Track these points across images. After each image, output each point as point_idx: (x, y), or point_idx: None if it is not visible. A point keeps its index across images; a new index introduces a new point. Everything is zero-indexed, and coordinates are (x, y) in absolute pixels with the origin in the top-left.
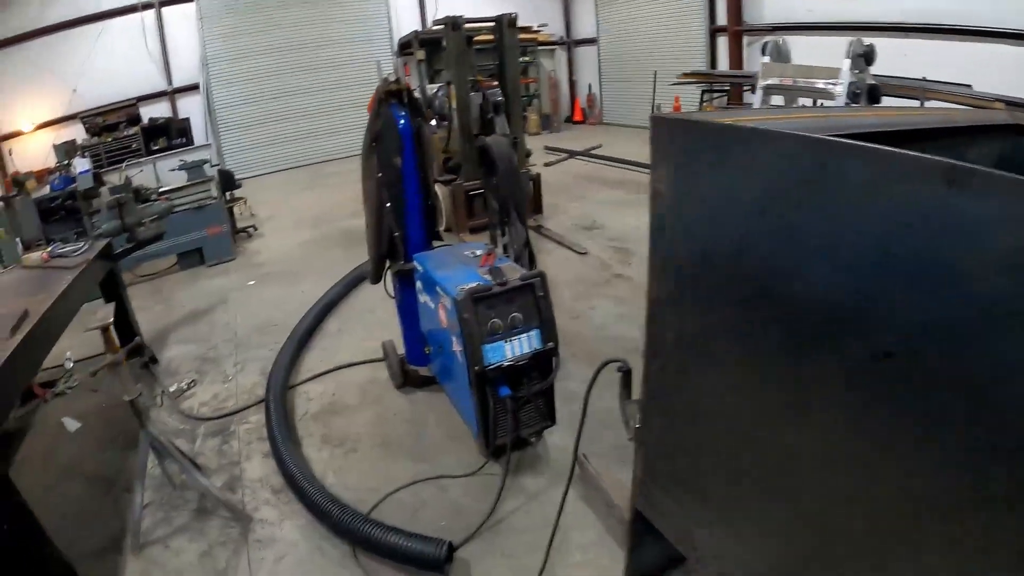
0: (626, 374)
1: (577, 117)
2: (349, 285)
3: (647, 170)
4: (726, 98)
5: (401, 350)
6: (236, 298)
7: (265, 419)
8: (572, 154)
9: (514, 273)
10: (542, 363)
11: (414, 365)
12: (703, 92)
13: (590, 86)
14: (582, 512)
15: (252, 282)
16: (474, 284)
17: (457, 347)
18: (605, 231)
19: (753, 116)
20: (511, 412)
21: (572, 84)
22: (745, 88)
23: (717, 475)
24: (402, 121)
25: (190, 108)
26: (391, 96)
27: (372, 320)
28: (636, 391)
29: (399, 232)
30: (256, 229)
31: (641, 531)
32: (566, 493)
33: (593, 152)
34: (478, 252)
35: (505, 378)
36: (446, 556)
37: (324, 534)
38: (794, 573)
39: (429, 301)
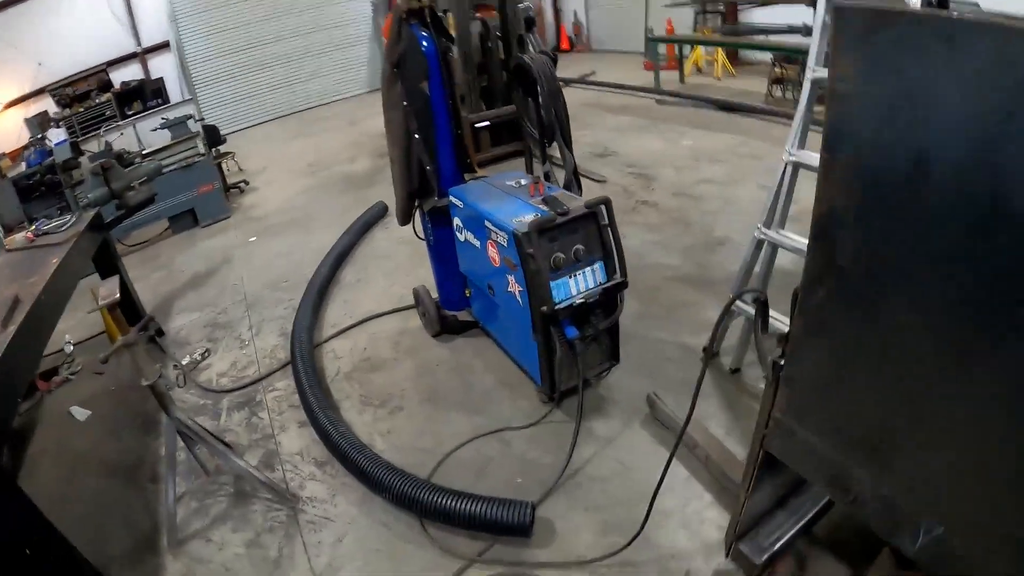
0: (763, 304)
1: (564, 46)
2: (359, 232)
3: (650, 94)
4: (720, 18)
5: (434, 295)
6: (240, 256)
7: (295, 384)
8: (567, 82)
9: (572, 202)
10: (606, 298)
11: (451, 310)
12: (696, 14)
13: (575, 13)
14: (662, 454)
15: (254, 238)
16: (532, 216)
17: (514, 287)
18: (620, 157)
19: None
20: (579, 354)
21: (557, 12)
22: (741, 7)
23: (892, 418)
24: (426, 43)
25: (163, 68)
26: (412, 16)
27: (391, 266)
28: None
29: (431, 165)
30: (248, 184)
31: (762, 473)
32: (673, 454)
33: (589, 79)
34: (523, 182)
35: (571, 317)
36: (531, 518)
37: (384, 506)
38: (976, 525)
39: (472, 239)
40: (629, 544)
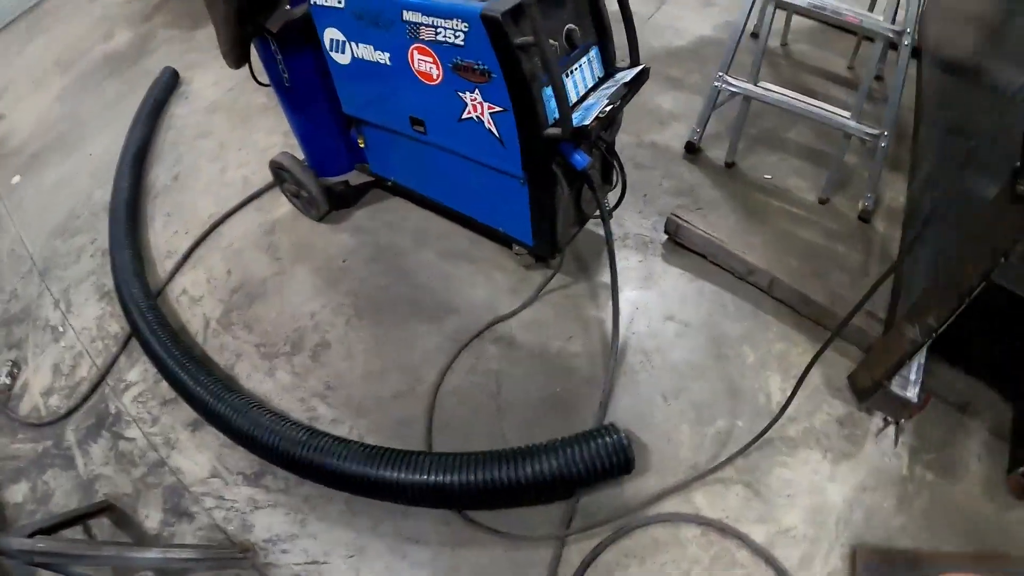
0: None
1: None
2: (152, 116)
3: None
4: None
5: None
6: (7, 210)
7: (154, 364)
8: None
9: None
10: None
11: (333, 175)
12: None
13: None
14: (707, 289)
15: (17, 178)
16: None
17: (478, 110)
18: None
19: None
20: (596, 187)
21: None
22: None
23: None
24: None
25: None
26: None
27: (213, 145)
28: None
29: None
30: None
31: None
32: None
33: None
34: None
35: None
36: (628, 448)
37: (385, 507)
38: None
39: (372, 53)
40: (765, 432)
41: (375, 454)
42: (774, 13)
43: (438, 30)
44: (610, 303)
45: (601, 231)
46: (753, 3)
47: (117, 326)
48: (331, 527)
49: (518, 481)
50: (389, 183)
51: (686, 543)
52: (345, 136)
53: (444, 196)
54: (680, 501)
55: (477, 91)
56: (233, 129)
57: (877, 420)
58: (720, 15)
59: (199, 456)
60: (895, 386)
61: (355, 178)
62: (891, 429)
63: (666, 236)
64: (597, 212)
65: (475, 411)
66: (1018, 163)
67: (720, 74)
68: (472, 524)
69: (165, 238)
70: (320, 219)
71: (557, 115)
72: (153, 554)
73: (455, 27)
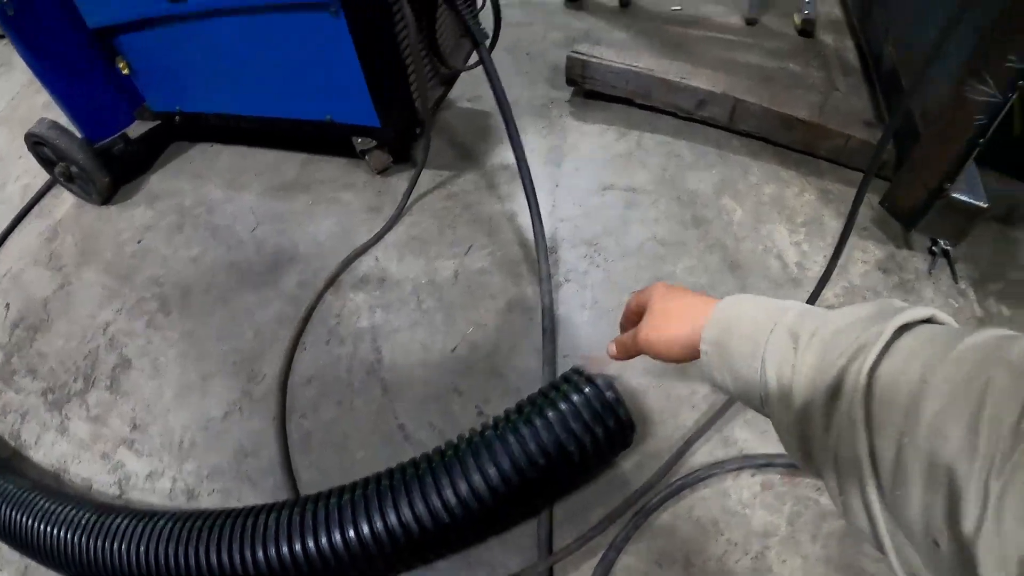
0: None
1: None
2: None
3: None
4: None
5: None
6: None
7: None
8: None
9: None
10: None
11: (112, 134)
12: None
13: None
14: (649, 144)
15: None
16: None
17: None
18: None
19: None
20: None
21: None
22: None
23: None
24: None
25: None
26: None
27: None
28: None
29: None
30: None
31: None
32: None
33: None
34: None
35: None
36: (619, 402)
37: None
38: None
39: None
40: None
41: (181, 531)
42: None
43: None
44: (516, 186)
45: (472, 104)
46: None
47: None
48: None
49: (440, 515)
50: (177, 117)
51: (743, 508)
52: (111, 75)
53: (244, 101)
54: (716, 443)
55: None
56: (14, 139)
57: (921, 259)
58: None
59: None
60: (958, 192)
61: (140, 128)
62: (941, 261)
63: (571, 88)
64: (467, 60)
65: (348, 401)
66: None
67: None
68: None
69: None
70: (106, 200)
71: None
72: None
73: None
